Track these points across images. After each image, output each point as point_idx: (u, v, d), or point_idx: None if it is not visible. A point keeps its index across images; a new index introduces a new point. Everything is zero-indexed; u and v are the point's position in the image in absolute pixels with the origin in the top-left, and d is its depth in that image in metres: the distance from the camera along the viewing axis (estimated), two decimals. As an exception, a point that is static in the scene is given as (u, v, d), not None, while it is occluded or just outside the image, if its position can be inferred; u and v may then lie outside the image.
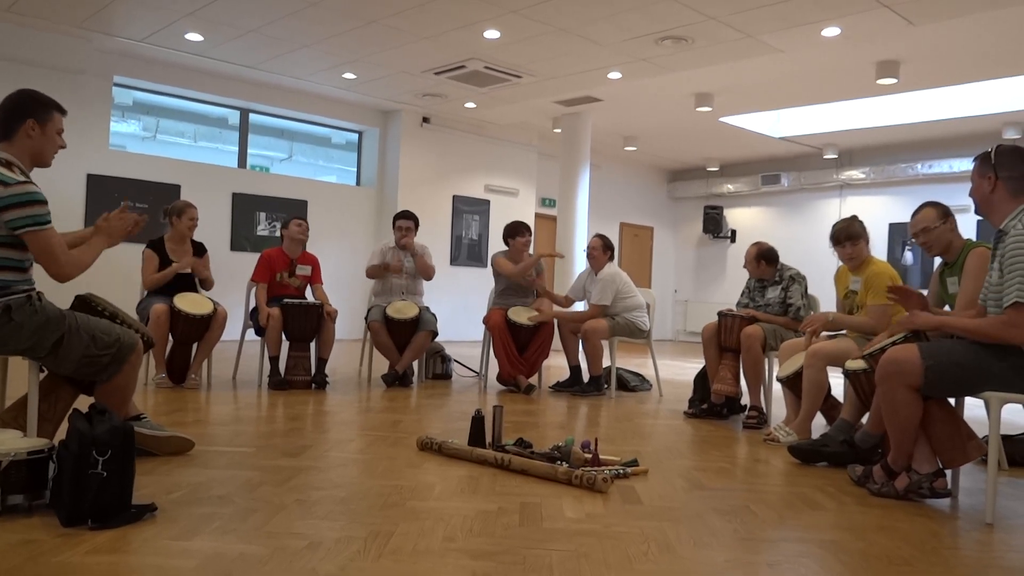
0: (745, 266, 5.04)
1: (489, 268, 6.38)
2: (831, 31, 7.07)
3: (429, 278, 6.22)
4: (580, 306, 6.70)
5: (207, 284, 5.49)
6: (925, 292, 3.41)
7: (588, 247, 6.03)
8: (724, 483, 3.15)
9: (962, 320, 2.85)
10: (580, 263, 10.48)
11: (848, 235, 4.15)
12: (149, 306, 5.06)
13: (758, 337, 4.65)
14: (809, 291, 4.97)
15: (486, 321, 5.92)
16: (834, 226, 4.22)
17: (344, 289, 10.39)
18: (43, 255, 2.67)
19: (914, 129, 11.03)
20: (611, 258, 5.96)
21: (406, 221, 6.18)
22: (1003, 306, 2.60)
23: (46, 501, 2.35)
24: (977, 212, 2.89)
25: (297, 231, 5.79)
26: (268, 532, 2.24)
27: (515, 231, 6.15)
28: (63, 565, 1.92)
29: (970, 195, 2.89)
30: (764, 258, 4.95)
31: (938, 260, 3.54)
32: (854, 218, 4.23)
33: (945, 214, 3.40)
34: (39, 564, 1.92)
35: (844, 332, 4.19)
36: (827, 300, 5.30)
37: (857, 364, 3.48)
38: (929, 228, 3.41)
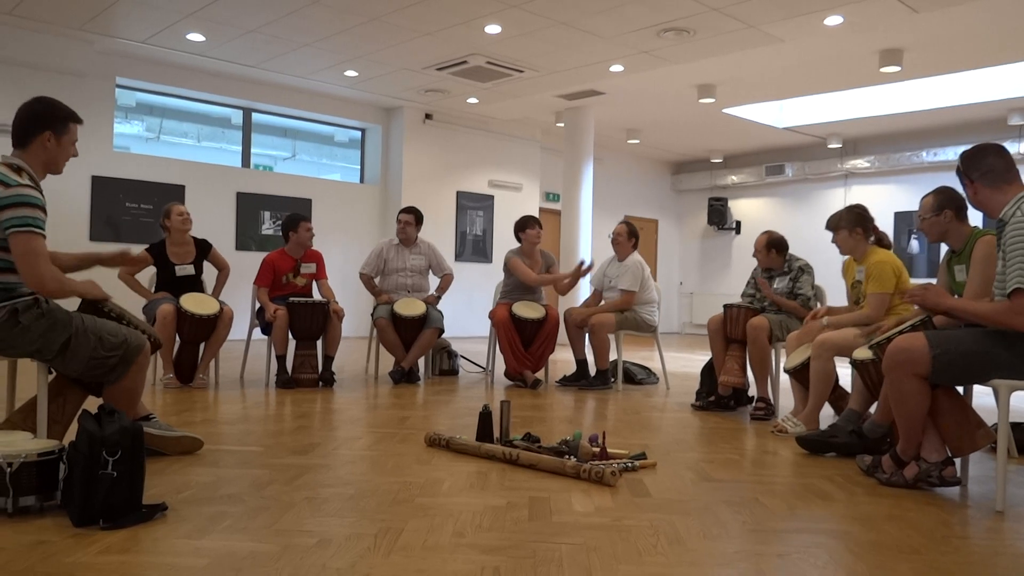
0: (755, 255, 5.00)
1: (494, 264, 6.38)
2: (834, 20, 7.04)
3: (450, 281, 6.28)
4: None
5: (225, 271, 5.59)
6: (934, 281, 3.40)
7: (613, 233, 5.99)
8: (733, 475, 3.15)
9: (971, 304, 2.84)
10: (585, 257, 10.47)
11: (830, 226, 4.23)
12: (155, 307, 5.08)
13: (764, 328, 4.64)
14: (815, 282, 4.96)
15: (492, 317, 5.92)
16: None
17: (350, 287, 10.39)
18: (24, 258, 2.57)
19: (919, 117, 10.98)
20: (635, 246, 5.95)
21: (406, 215, 6.19)
22: (1006, 292, 2.59)
23: (57, 502, 2.37)
24: (984, 214, 2.91)
25: (307, 236, 5.76)
26: (278, 530, 2.25)
27: (525, 224, 6.15)
28: (75, 565, 1.93)
29: (970, 205, 2.95)
30: (775, 247, 4.94)
31: (944, 248, 3.52)
32: (846, 208, 4.22)
33: (940, 206, 3.33)
34: (51, 564, 1.93)
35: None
36: (832, 290, 5.30)
37: (865, 354, 3.47)
38: (923, 217, 3.41)
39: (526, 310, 5.81)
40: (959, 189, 3.45)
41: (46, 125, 2.74)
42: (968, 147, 2.96)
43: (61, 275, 2.71)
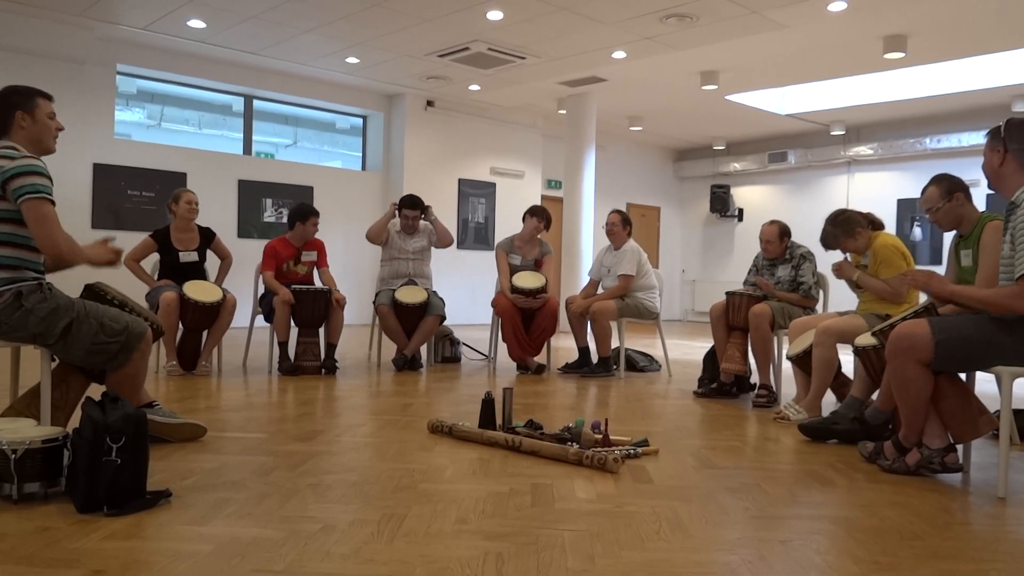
0: (766, 245, 4.93)
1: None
2: (837, 5, 7.00)
3: (449, 242, 6.22)
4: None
5: (227, 260, 5.60)
6: (941, 268, 3.39)
7: (608, 223, 6.00)
8: (735, 461, 3.15)
9: (973, 290, 2.83)
10: (587, 244, 10.47)
11: (831, 246, 4.21)
12: (158, 294, 5.08)
13: (766, 316, 4.64)
14: (817, 269, 4.94)
15: (495, 304, 5.92)
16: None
17: (351, 274, 10.42)
18: (39, 225, 2.64)
19: (922, 104, 10.93)
20: (629, 234, 5.98)
21: (412, 211, 6.11)
22: (1014, 277, 2.58)
23: (61, 489, 2.37)
24: (990, 186, 2.87)
25: (312, 231, 5.74)
26: (282, 516, 2.26)
27: (533, 212, 6.11)
28: (80, 551, 1.94)
29: (982, 169, 2.88)
30: (787, 234, 4.95)
31: (950, 234, 3.51)
32: (829, 223, 4.19)
33: (950, 191, 3.31)
34: (56, 550, 1.94)
35: (854, 310, 4.19)
36: (833, 278, 5.28)
37: (867, 340, 3.47)
38: (933, 209, 3.38)
39: (526, 280, 5.80)
40: (960, 175, 3.44)
41: (14, 106, 2.78)
42: (1014, 118, 2.80)
43: (74, 242, 2.76)
